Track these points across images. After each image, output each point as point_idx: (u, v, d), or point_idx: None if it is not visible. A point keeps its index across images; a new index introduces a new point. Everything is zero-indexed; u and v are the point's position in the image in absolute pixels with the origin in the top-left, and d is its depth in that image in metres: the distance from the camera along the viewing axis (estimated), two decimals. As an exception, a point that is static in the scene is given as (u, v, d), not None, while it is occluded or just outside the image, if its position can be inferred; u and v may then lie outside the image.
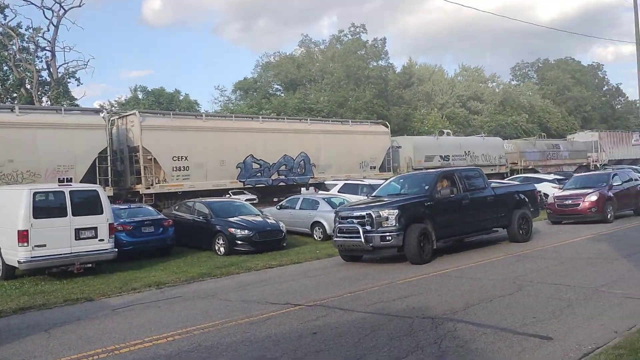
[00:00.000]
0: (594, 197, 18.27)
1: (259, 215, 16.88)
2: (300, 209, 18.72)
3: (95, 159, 19.81)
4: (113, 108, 45.14)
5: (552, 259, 11.79)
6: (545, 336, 6.28)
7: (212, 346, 6.66)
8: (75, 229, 12.13)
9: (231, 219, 15.74)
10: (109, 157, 20.43)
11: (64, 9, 38.02)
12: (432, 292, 9.03)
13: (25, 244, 11.50)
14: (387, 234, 12.01)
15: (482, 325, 6.82)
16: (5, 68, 39.55)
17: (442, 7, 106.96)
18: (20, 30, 39.20)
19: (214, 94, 67.52)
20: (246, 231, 15.23)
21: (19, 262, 11.52)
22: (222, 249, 15.33)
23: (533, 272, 10.28)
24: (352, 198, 18.46)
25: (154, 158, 21.21)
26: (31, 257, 11.56)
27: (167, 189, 21.42)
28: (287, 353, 6.20)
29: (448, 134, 37.84)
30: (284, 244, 15.93)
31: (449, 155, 33.13)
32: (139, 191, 21.24)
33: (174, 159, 21.69)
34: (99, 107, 23.05)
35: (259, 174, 24.43)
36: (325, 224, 17.13)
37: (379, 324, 7.19)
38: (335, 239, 13.05)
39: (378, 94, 50.06)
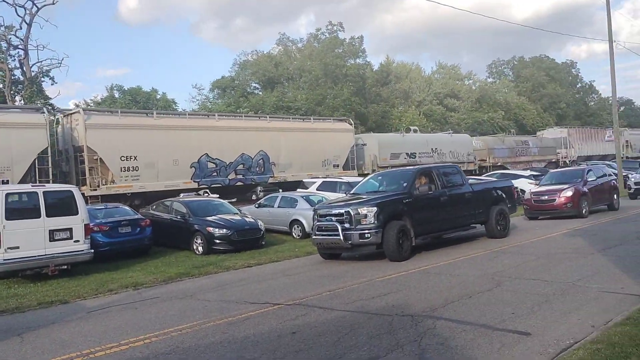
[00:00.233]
0: (569, 193, 18.56)
1: (237, 214, 16.76)
2: (278, 207, 18.65)
3: (35, 159, 18.72)
4: (89, 107, 44.37)
5: (529, 254, 11.93)
6: (523, 332, 6.33)
7: (190, 348, 6.56)
8: (50, 230, 11.89)
9: (209, 218, 15.59)
10: (49, 158, 19.31)
11: (36, 7, 37.19)
12: (412, 290, 9.04)
13: (-3, 246, 11.20)
14: (366, 231, 12.02)
15: (461, 322, 6.85)
16: (-25, 66, 38.51)
17: (418, 5, 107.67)
18: (-9, 27, 38.22)
19: (191, 93, 66.96)
20: (224, 230, 15.09)
21: (-10, 265, 11.21)
22: (200, 249, 15.17)
23: (511, 268, 10.38)
24: (331, 196, 18.46)
25: (100, 158, 20.20)
26: (4, 260, 11.28)
27: (115, 191, 20.21)
28: (266, 353, 6.13)
29: (415, 131, 37.41)
30: (263, 243, 15.84)
31: (415, 153, 32.77)
32: (84, 193, 20.11)
33: (122, 158, 20.62)
34: (39, 105, 22.11)
35: (215, 174, 23.52)
36: (304, 222, 17.08)
37: (358, 322, 7.17)
38: (314, 237, 13.02)
39: (356, 92, 50.15)
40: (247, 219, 16.22)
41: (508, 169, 35.07)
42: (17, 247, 11.42)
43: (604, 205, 20.34)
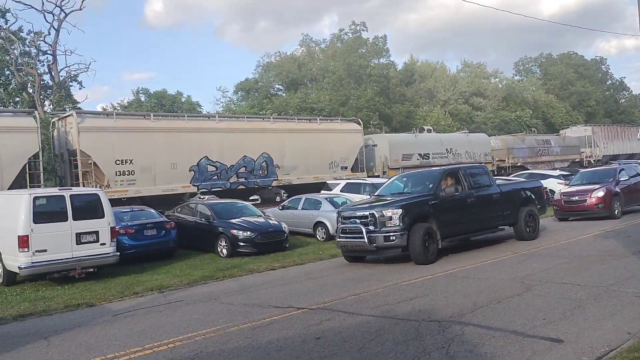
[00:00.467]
0: (600, 193, 18.05)
1: (261, 216, 16.73)
2: (302, 209, 18.57)
3: (26, 164, 18.20)
4: (115, 110, 45.11)
5: (560, 257, 11.60)
6: (556, 338, 6.10)
7: (214, 353, 6.50)
8: (76, 234, 12.01)
9: (233, 221, 15.60)
10: (41, 163, 18.83)
11: (64, 13, 37.97)
12: (438, 294, 8.85)
13: (26, 250, 11.38)
14: (391, 233, 11.83)
15: (491, 328, 6.64)
16: (7, 72, 39.53)
17: (443, 3, 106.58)
18: (21, 34, 39.18)
19: (215, 95, 67.61)
20: (248, 232, 15.08)
21: (19, 267, 11.40)
22: (224, 251, 15.19)
23: (541, 271, 10.08)
24: (355, 197, 18.31)
25: (94, 162, 19.59)
26: (32, 263, 11.44)
27: (110, 195, 19.21)
28: (290, 359, 6.03)
29: (429, 131, 36.24)
30: (287, 245, 15.77)
31: (428, 153, 31.73)
32: None
33: (117, 162, 19.95)
34: (30, 108, 21.59)
35: (216, 177, 22.71)
36: (328, 224, 16.97)
37: (384, 327, 7.02)
38: (338, 239, 12.88)
39: (380, 92, 49.86)
40: (270, 221, 16.18)
41: (528, 169, 34.13)
42: (45, 250, 11.57)
43: (637, 206, 19.70)
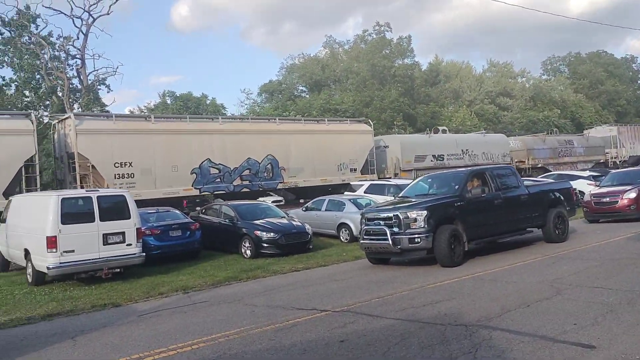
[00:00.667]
0: (632, 194, 17.52)
1: (284, 217, 16.73)
2: (326, 210, 18.51)
3: (21, 167, 18.05)
4: (142, 113, 45.80)
5: (591, 259, 11.27)
6: (587, 344, 5.90)
7: (237, 354, 6.48)
8: (103, 234, 12.17)
9: (257, 222, 15.63)
10: (37, 166, 18.71)
11: (92, 17, 38.75)
12: (465, 297, 8.67)
13: (54, 250, 11.57)
14: (416, 235, 11.67)
15: (519, 333, 6.46)
16: (37, 77, 40.49)
17: (468, 3, 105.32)
18: (51, 39, 40.11)
19: (240, 97, 68.16)
20: (272, 234, 15.08)
21: (47, 268, 11.59)
22: (248, 252, 15.22)
23: (571, 275, 9.81)
24: (379, 199, 18.16)
25: (92, 165, 19.50)
26: (60, 263, 11.61)
27: None
28: (313, 363, 5.98)
29: (444, 131, 35.41)
30: (310, 247, 15.73)
31: (443, 155, 30.98)
32: None
33: (116, 165, 19.78)
34: (27, 111, 21.56)
35: (218, 180, 22.34)
36: (351, 225, 16.87)
37: (409, 331, 6.89)
38: (362, 241, 12.78)
39: (404, 93, 49.57)
40: (294, 223, 16.17)
41: (550, 170, 33.24)
42: (73, 251, 11.74)
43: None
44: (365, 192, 20.76)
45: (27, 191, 17.69)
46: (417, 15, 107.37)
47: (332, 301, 9.01)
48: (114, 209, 12.58)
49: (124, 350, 6.99)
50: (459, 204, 12.42)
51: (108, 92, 53.04)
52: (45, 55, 39.19)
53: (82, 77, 40.27)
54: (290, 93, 54.68)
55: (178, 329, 7.98)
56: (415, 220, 11.76)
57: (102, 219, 12.18)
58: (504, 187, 13.64)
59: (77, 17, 38.54)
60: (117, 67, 53.28)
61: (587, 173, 26.40)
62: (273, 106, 50.23)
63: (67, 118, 20.58)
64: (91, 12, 38.45)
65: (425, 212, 11.76)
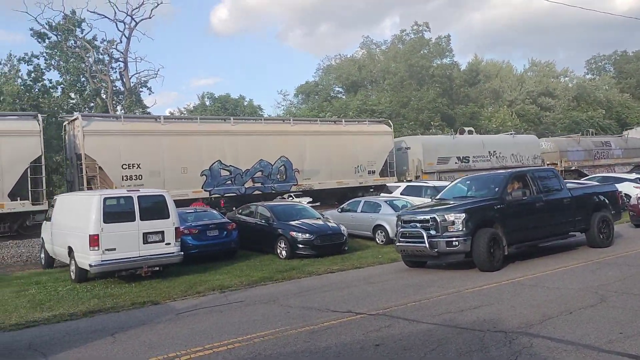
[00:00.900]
0: (683, 198, 16.76)
1: (320, 218, 16.71)
2: (361, 212, 18.41)
3: (27, 169, 17.89)
4: (182, 114, 46.73)
5: (637, 266, 10.83)
6: (635, 355, 5.66)
7: (272, 355, 6.48)
8: (143, 233, 12.39)
9: (292, 223, 15.66)
10: (43, 167, 18.48)
11: (135, 21, 39.81)
12: (505, 303, 8.44)
13: (96, 248, 11.86)
14: (454, 239, 11.46)
15: (562, 341, 6.24)
16: (82, 79, 41.82)
17: (509, 1, 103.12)
18: (95, 43, 41.38)
19: (276, 99, 68.75)
20: (307, 235, 15.09)
21: (90, 265, 11.90)
22: (283, 253, 15.27)
23: (617, 281, 9.43)
24: (416, 201, 17.95)
25: (100, 166, 19.34)
26: (101, 261, 11.90)
27: None
28: (348, 366, 5.92)
29: (470, 132, 34.31)
30: (346, 248, 15.65)
31: (468, 157, 30.08)
32: None
33: (124, 167, 19.58)
34: (34, 112, 21.13)
35: (229, 182, 21.91)
36: (387, 227, 16.71)
37: (446, 337, 6.75)
38: (398, 243, 12.63)
39: (442, 93, 48.90)
40: (329, 224, 16.14)
41: (586, 174, 31.96)
42: (114, 249, 12.02)
43: None
44: (401, 194, 20.54)
45: (33, 193, 17.89)
46: (456, 14, 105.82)
47: (367, 304, 8.93)
48: (154, 208, 12.81)
49: (162, 348, 7.10)
50: (498, 206, 12.13)
51: (149, 94, 54.53)
52: (90, 59, 40.44)
53: (124, 80, 41.41)
54: (327, 94, 54.75)
55: (214, 328, 8.06)
56: (453, 223, 11.55)
57: (142, 218, 12.42)
58: (546, 189, 13.26)
59: (120, 21, 39.70)
60: (158, 70, 54.61)
61: (633, 175, 25.40)
62: (309, 107, 50.40)
63: (75, 119, 20.43)
64: (133, 16, 39.53)
65: (464, 214, 11.53)
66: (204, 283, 11.90)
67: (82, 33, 40.95)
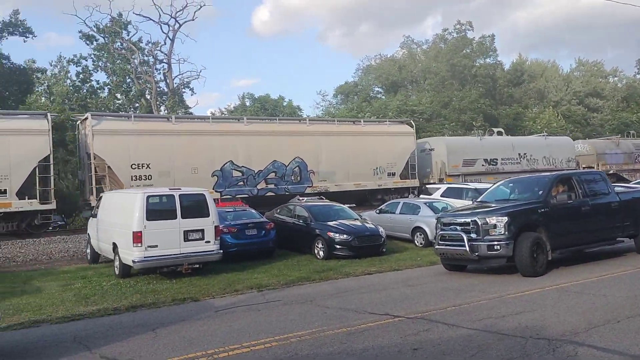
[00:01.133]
0: None
1: (357, 219, 16.64)
2: (400, 213, 18.24)
3: (35, 167, 17.89)
4: (223, 115, 47.48)
5: (692, 275, 10.32)
6: (688, 369, 5.38)
7: (309, 356, 6.48)
8: (184, 231, 12.63)
9: (330, 223, 15.65)
10: (51, 166, 18.48)
11: (179, 23, 40.72)
12: (548, 309, 8.19)
13: (139, 245, 12.16)
14: (495, 242, 11.20)
15: (608, 351, 6.01)
16: (128, 80, 43.05)
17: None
18: (140, 44, 42.54)
19: (316, 99, 69.01)
20: (345, 235, 15.05)
21: (133, 261, 12.21)
22: (321, 253, 15.28)
23: (669, 291, 9.02)
24: (456, 203, 17.65)
25: (108, 166, 19.24)
26: (144, 257, 12.19)
27: None
28: (385, 369, 5.86)
29: (500, 133, 33.11)
30: (384, 250, 15.53)
31: (496, 159, 28.97)
32: (90, 202, 19.13)
33: (133, 166, 19.38)
34: (44, 111, 21.05)
35: (241, 183, 21.52)
36: (426, 229, 16.50)
37: (487, 342, 6.60)
38: (437, 246, 12.44)
39: (485, 93, 47.98)
40: (367, 225, 16.05)
41: (625, 178, 30.37)
42: (156, 246, 12.30)
43: None
44: (441, 196, 20.24)
45: (42, 192, 17.99)
46: (500, 13, 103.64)
47: (405, 307, 8.83)
48: (195, 207, 13.04)
49: (201, 344, 7.21)
50: (542, 210, 11.79)
51: (192, 94, 55.67)
52: (135, 60, 41.61)
53: (168, 81, 42.40)
54: (366, 94, 54.54)
55: (252, 326, 8.13)
56: (494, 226, 11.30)
57: (183, 216, 12.66)
58: (592, 193, 12.82)
59: (164, 24, 40.69)
60: (200, 71, 55.64)
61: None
62: (348, 108, 50.33)
63: (86, 118, 20.21)
64: (177, 18, 40.42)
65: (506, 218, 11.27)
66: (242, 281, 12.04)
67: (128, 35, 42.18)
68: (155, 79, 41.79)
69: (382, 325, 7.72)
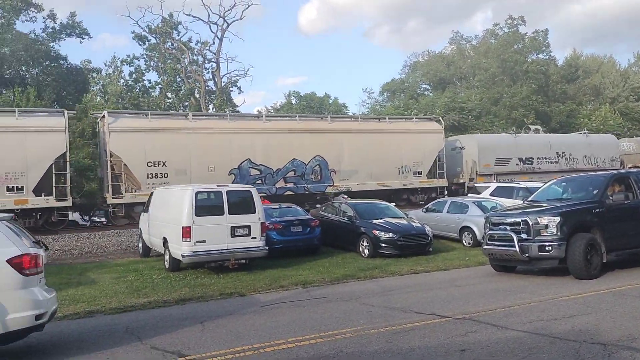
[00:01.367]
0: None
1: (403, 218, 16.47)
2: (447, 212, 17.92)
3: (52, 164, 17.98)
4: (269, 113, 48.03)
5: None
6: None
7: (354, 353, 6.46)
8: (231, 227, 12.86)
9: (375, 221, 15.55)
10: (67, 164, 18.49)
11: (227, 23, 41.47)
12: (603, 313, 7.86)
13: (188, 240, 12.47)
14: (547, 243, 10.83)
15: (669, 359, 5.71)
16: (178, 79, 44.18)
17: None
18: (190, 44, 43.56)
19: (361, 97, 68.80)
20: (390, 234, 14.92)
21: (182, 255, 12.52)
22: (366, 251, 15.21)
23: None
24: (506, 202, 17.18)
25: (125, 164, 19.26)
26: (193, 252, 12.49)
27: (140, 199, 18.49)
28: (431, 370, 5.77)
29: (537, 131, 31.55)
30: (430, 249, 15.31)
31: (532, 158, 27.69)
32: (106, 200, 19.43)
33: (149, 164, 19.37)
34: (61, 109, 21.22)
35: (259, 182, 21.10)
36: (475, 229, 16.15)
37: (537, 345, 6.39)
38: (486, 246, 12.14)
39: (537, 90, 46.49)
40: (413, 224, 15.85)
41: None
42: (204, 241, 12.57)
43: None
44: (491, 195, 19.76)
45: (57, 189, 18.12)
46: (553, 7, 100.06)
47: (452, 307, 8.68)
48: (241, 203, 13.24)
49: (247, 338, 7.31)
50: (597, 210, 11.31)
51: (239, 93, 56.60)
52: (185, 60, 42.64)
53: (216, 80, 43.25)
54: (413, 91, 53.90)
55: (297, 322, 8.18)
56: (546, 226, 10.93)
57: (230, 212, 12.89)
58: (652, 193, 12.17)
59: (213, 23, 41.49)
60: (248, 70, 56.41)
61: None
62: (394, 105, 49.89)
63: (103, 116, 20.24)
64: (226, 18, 41.13)
65: (559, 218, 10.88)
66: (288, 278, 12.14)
67: (178, 35, 43.27)
68: (204, 78, 42.72)
69: (428, 325, 7.61)
